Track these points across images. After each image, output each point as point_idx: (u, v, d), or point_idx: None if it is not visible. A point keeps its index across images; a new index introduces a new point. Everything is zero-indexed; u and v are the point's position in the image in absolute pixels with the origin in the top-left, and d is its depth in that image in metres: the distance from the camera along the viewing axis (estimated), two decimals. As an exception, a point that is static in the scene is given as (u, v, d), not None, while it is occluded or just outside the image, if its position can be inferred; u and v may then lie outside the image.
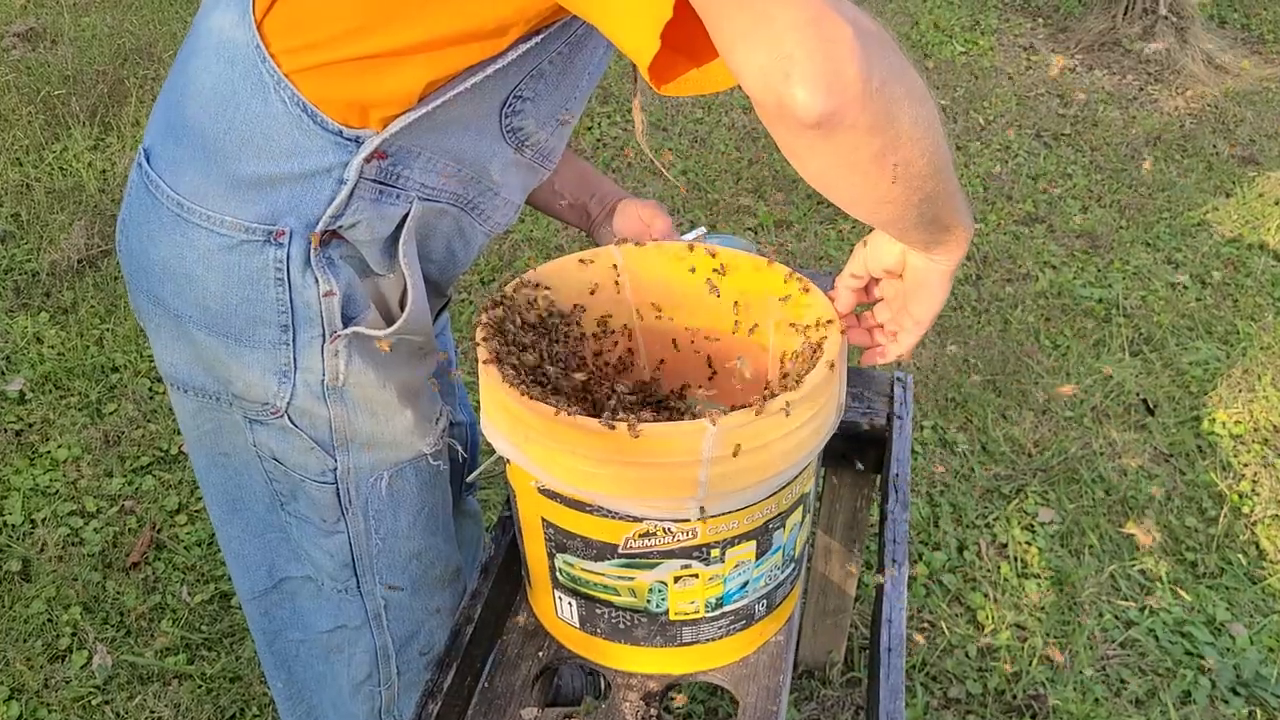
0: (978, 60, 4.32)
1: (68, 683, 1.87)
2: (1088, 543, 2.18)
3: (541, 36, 0.94)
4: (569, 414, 0.93)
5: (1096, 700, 1.88)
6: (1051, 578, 2.11)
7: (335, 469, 1.10)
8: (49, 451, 2.33)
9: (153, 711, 1.83)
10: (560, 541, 1.05)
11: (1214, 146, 3.70)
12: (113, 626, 1.97)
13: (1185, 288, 2.96)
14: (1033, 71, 4.25)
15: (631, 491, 0.96)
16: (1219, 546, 2.17)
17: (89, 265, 2.91)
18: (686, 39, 0.77)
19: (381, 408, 1.09)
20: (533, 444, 0.98)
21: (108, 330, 2.68)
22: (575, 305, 1.17)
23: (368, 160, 0.95)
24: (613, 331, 1.20)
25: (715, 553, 1.02)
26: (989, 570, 2.13)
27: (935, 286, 0.99)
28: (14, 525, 2.15)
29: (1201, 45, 4.28)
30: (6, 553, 2.09)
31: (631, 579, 1.03)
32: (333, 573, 1.18)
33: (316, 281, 0.99)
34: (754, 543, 1.03)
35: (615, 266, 1.18)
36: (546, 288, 1.14)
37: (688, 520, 0.99)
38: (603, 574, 1.04)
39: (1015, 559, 2.15)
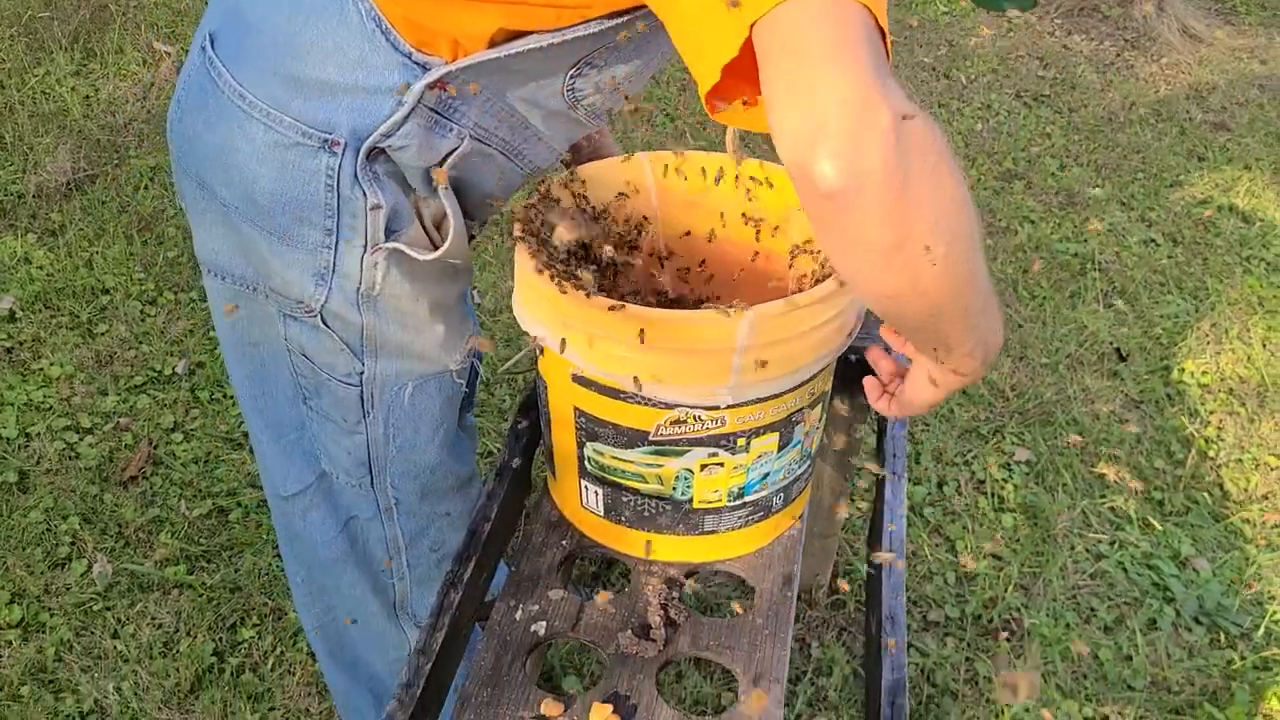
0: (960, 21, 4.37)
1: (68, 589, 1.89)
2: (1061, 481, 2.26)
3: (628, 17, 0.94)
4: (611, 300, 0.98)
5: (1068, 625, 1.96)
6: (1026, 512, 2.19)
7: (362, 373, 1.13)
8: (41, 369, 2.34)
9: (154, 618, 1.86)
10: (591, 430, 1.09)
11: (1187, 112, 3.78)
12: (111, 537, 1.99)
13: (1158, 245, 3.05)
14: (1013, 34, 4.31)
15: (667, 377, 1.00)
16: (1185, 487, 2.26)
17: (76, 189, 2.89)
18: (753, 68, 0.74)
19: (413, 320, 1.11)
20: (572, 330, 1.02)
21: (97, 253, 2.67)
22: (607, 204, 1.21)
23: (430, 87, 0.96)
24: (640, 231, 1.25)
25: (741, 442, 1.07)
26: (968, 504, 2.20)
27: (922, 382, 0.96)
28: (9, 439, 2.16)
29: (1177, 14, 4.36)
30: (2, 464, 2.10)
31: (660, 466, 1.08)
32: (348, 468, 1.21)
33: (364, 195, 1.01)
34: (777, 435, 1.09)
35: (646, 171, 1.22)
36: (582, 181, 1.18)
37: (717, 408, 1.03)
38: (632, 461, 1.09)
39: (992, 494, 2.22)
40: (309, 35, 0.96)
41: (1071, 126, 3.64)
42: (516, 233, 1.08)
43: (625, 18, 0.94)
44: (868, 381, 1.05)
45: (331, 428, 1.18)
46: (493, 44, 0.95)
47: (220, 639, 1.84)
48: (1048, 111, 3.73)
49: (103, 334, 2.45)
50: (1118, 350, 2.63)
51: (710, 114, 0.80)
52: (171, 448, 2.18)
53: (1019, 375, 2.54)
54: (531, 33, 0.95)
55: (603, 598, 1.10)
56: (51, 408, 2.25)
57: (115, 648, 1.81)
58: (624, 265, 1.24)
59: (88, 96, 3.28)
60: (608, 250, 1.12)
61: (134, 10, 3.68)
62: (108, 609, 1.87)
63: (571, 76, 1.01)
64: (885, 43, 0.73)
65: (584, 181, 1.19)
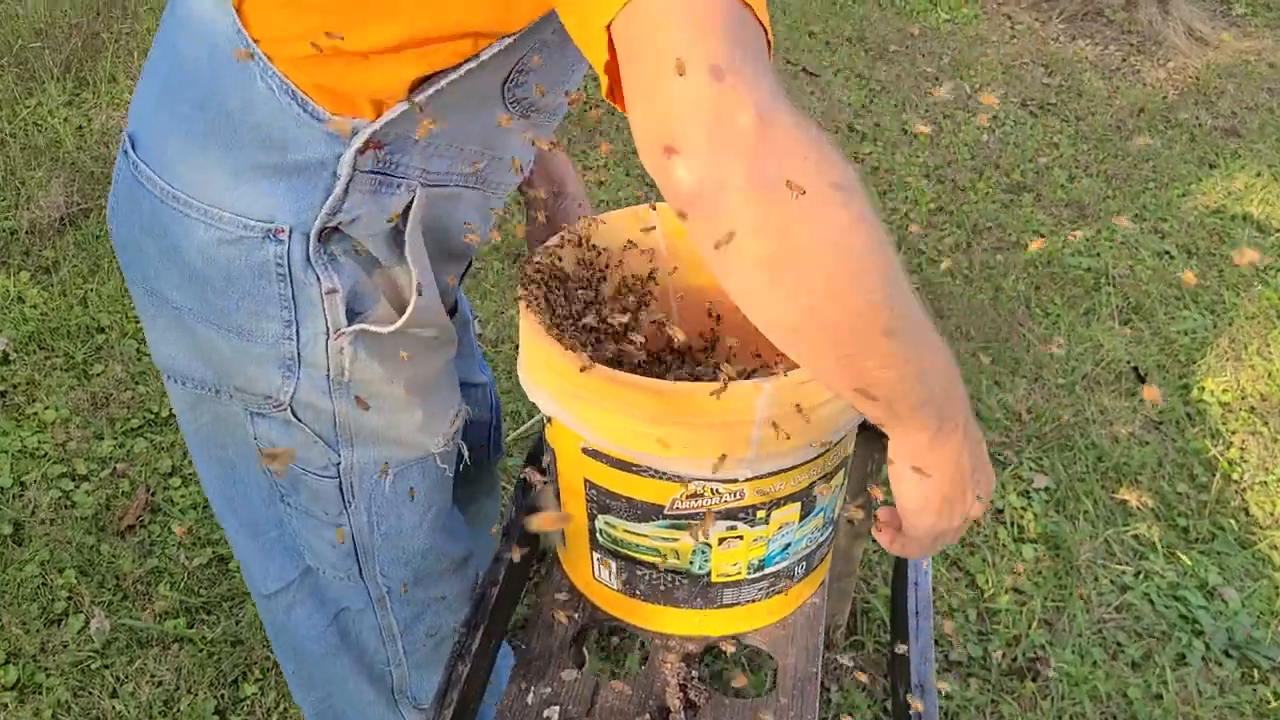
0: (963, 28, 4.32)
1: (65, 646, 1.84)
2: (1082, 508, 2.20)
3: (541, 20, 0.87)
4: (623, 372, 0.92)
5: (1094, 663, 1.91)
6: (1047, 543, 2.13)
7: (339, 463, 1.06)
8: (36, 413, 2.28)
9: (153, 675, 1.81)
10: (603, 503, 1.04)
11: (1196, 118, 3.73)
12: (109, 590, 1.94)
13: (1172, 257, 2.99)
14: (1017, 40, 4.25)
15: (683, 451, 0.95)
16: (1210, 512, 2.21)
17: (69, 223, 2.85)
18: None
19: (388, 404, 1.04)
20: (582, 403, 0.96)
21: (91, 290, 2.62)
22: (612, 261, 1.16)
23: (362, 151, 0.89)
24: (647, 288, 1.19)
25: (761, 514, 1.02)
26: (986, 536, 2.15)
27: (897, 473, 0.84)
28: (3, 488, 2.10)
29: (1183, 17, 4.30)
30: (-4, 515, 2.05)
31: (676, 540, 1.03)
32: (334, 562, 1.14)
33: (319, 279, 0.94)
34: (799, 505, 1.03)
35: (652, 224, 1.16)
36: (587, 240, 1.13)
37: (735, 481, 0.98)
38: (646, 536, 1.03)
39: (1012, 524, 2.17)
40: (226, 122, 0.90)
41: (1079, 135, 3.58)
42: (522, 304, 1.03)
43: (540, 21, 0.87)
44: (876, 532, 0.94)
45: (312, 522, 1.11)
46: (415, 90, 0.88)
47: (222, 696, 1.79)
48: (1055, 120, 3.67)
49: (98, 375, 2.40)
50: (1135, 370, 2.57)
51: (624, 112, 0.71)
52: (169, 493, 2.13)
53: (1035, 397, 2.48)
54: (450, 68, 0.88)
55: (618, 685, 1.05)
56: (46, 454, 2.20)
57: (114, 708, 1.75)
58: (632, 322, 1.19)
59: (80, 127, 3.23)
60: (617, 316, 1.06)
61: (126, 37, 3.63)
62: (106, 667, 1.82)
63: (510, 89, 0.94)
64: (759, 20, 0.65)
65: (588, 236, 1.14)
